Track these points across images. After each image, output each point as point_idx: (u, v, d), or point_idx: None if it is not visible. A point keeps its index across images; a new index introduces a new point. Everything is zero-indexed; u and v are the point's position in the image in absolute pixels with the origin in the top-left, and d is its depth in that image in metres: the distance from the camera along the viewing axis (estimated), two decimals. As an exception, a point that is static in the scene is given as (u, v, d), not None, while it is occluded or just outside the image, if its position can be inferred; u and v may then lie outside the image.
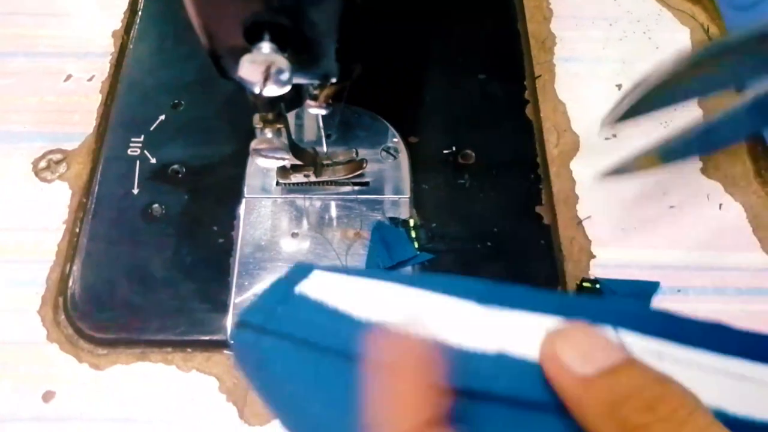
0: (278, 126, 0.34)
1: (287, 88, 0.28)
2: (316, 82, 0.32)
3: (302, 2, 0.26)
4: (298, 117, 0.43)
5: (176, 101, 0.45)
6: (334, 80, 0.31)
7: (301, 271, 0.25)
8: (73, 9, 0.50)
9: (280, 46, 0.27)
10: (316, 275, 0.25)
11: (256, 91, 0.28)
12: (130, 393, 0.36)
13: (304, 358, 0.23)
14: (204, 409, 0.35)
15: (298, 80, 0.30)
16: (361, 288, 0.24)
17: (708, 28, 0.49)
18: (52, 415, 0.35)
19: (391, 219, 0.40)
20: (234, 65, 0.28)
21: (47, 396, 0.35)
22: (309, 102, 0.34)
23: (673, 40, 0.49)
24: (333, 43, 0.28)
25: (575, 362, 0.19)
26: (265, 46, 0.27)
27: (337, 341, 0.22)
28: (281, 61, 0.27)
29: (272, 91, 0.28)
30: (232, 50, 0.28)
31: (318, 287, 0.24)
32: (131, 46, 0.48)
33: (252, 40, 0.27)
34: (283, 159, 0.36)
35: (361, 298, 0.23)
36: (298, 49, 0.28)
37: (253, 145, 0.35)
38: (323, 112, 0.35)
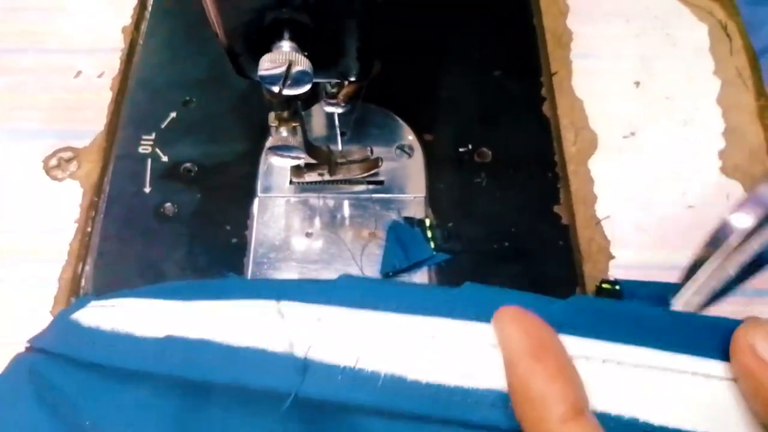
0: (294, 124, 0.34)
1: (307, 88, 0.27)
2: (335, 80, 0.31)
3: (323, 0, 0.26)
4: (314, 115, 0.42)
5: (187, 98, 0.44)
6: (352, 79, 0.30)
7: (80, 302, 0.30)
8: (83, 4, 0.49)
9: (301, 44, 0.27)
10: (93, 305, 0.29)
11: (276, 90, 0.27)
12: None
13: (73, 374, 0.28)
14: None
15: (317, 79, 0.29)
16: (141, 308, 0.28)
17: (726, 25, 0.49)
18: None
19: (407, 219, 0.40)
20: (253, 64, 0.28)
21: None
22: (326, 100, 0.34)
23: (691, 38, 0.48)
24: (354, 41, 0.27)
25: None
26: (286, 45, 0.27)
27: (114, 360, 0.27)
28: (302, 61, 0.26)
29: (292, 90, 0.27)
30: (251, 49, 0.28)
31: (92, 315, 0.29)
32: (141, 42, 0.47)
33: (272, 38, 0.27)
34: (299, 158, 0.36)
35: (140, 319, 0.28)
36: (318, 48, 0.27)
37: (269, 143, 0.35)
38: (340, 110, 0.35)
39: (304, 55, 0.27)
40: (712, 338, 0.23)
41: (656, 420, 0.22)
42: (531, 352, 0.22)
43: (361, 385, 0.24)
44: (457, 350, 0.24)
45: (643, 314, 0.25)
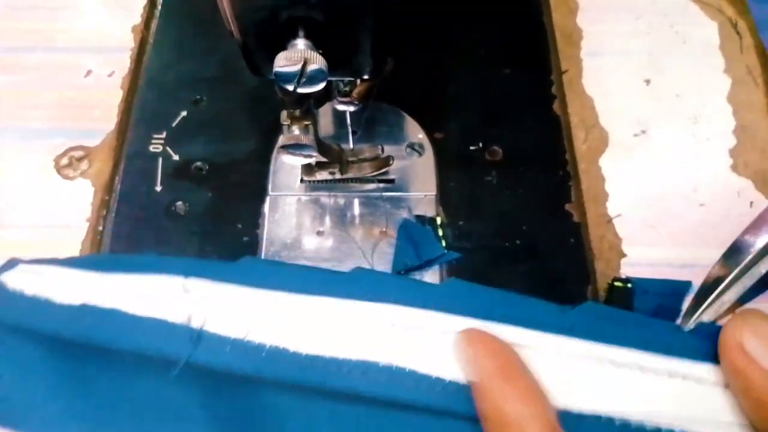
0: (306, 123, 0.34)
1: (322, 86, 0.27)
2: (348, 78, 0.31)
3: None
4: (324, 113, 0.42)
5: (198, 97, 0.44)
6: (366, 77, 0.30)
7: (9, 265, 0.32)
8: (92, 3, 0.49)
9: (315, 42, 0.27)
10: (21, 268, 0.32)
11: (291, 88, 0.27)
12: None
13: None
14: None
15: (332, 77, 0.29)
16: (63, 277, 0.30)
17: (736, 23, 0.48)
18: None
19: (418, 217, 0.40)
20: (267, 62, 0.28)
21: None
22: (339, 98, 0.34)
23: (700, 35, 0.48)
24: (368, 39, 0.27)
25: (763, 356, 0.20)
26: (300, 43, 0.27)
27: (32, 323, 0.29)
28: (317, 58, 0.26)
29: (307, 88, 0.27)
30: (266, 46, 0.28)
31: (18, 279, 0.31)
32: (151, 41, 0.47)
33: (287, 36, 0.27)
34: (311, 156, 0.36)
35: (60, 286, 0.30)
36: (333, 46, 0.27)
37: (281, 141, 0.35)
38: (352, 108, 0.35)
39: (319, 53, 0.27)
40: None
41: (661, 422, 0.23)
42: (501, 374, 0.22)
43: (248, 355, 0.26)
44: (336, 325, 0.26)
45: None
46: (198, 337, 0.27)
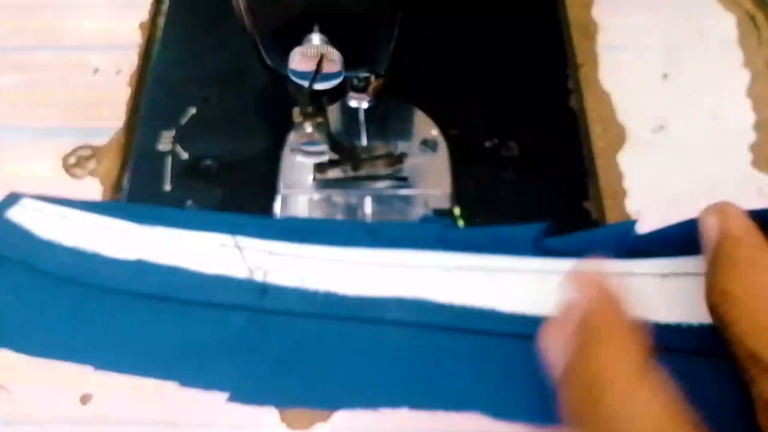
0: (319, 120, 0.33)
1: (338, 81, 0.27)
2: (363, 74, 0.30)
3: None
4: (336, 111, 0.41)
5: (207, 94, 0.44)
6: (381, 73, 0.30)
7: (11, 199, 0.37)
8: (99, 1, 0.48)
9: (332, 37, 0.26)
10: (26, 203, 0.36)
11: (306, 84, 0.26)
12: (167, 396, 0.35)
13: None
14: (244, 413, 0.34)
15: (347, 73, 0.28)
16: (67, 216, 0.36)
17: (754, 16, 0.47)
18: (90, 417, 0.34)
19: (436, 211, 0.39)
20: (282, 58, 0.27)
21: (85, 398, 0.35)
22: (353, 94, 0.33)
23: (717, 28, 0.47)
24: (386, 33, 0.27)
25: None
26: (316, 38, 0.26)
27: (37, 260, 0.35)
28: (334, 54, 0.25)
29: (322, 85, 0.27)
30: (280, 42, 0.27)
31: (23, 214, 0.36)
32: (159, 38, 0.47)
33: (302, 31, 0.26)
34: (323, 153, 0.35)
35: (63, 225, 0.36)
36: (350, 41, 0.27)
37: (293, 138, 0.34)
38: (366, 105, 0.34)
39: (335, 49, 0.26)
40: None
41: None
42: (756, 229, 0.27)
43: (306, 300, 0.34)
44: (369, 270, 0.35)
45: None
46: (264, 289, 0.34)
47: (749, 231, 0.27)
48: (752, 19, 0.48)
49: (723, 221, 0.28)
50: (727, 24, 0.47)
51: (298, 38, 0.26)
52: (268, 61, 0.29)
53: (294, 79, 0.26)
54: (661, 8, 0.48)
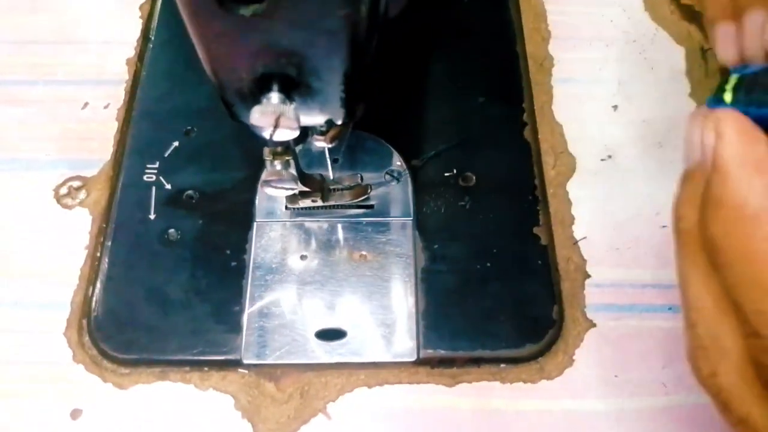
0: (286, 158, 0.36)
1: (295, 135, 0.30)
2: (323, 124, 0.34)
3: (309, 57, 0.28)
4: (308, 143, 0.44)
5: (188, 128, 0.47)
6: (338, 123, 0.33)
7: None
8: (90, 37, 0.52)
9: (288, 95, 0.29)
10: None
11: (267, 136, 0.30)
12: (152, 411, 0.38)
13: None
14: (221, 426, 0.38)
15: (306, 123, 0.31)
16: None
17: (704, 48, 0.51)
18: (79, 433, 0.37)
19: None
20: (246, 111, 0.30)
21: (75, 414, 0.38)
22: (316, 137, 0.36)
23: (668, 60, 0.50)
24: (340, 91, 0.30)
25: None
26: (275, 96, 0.29)
27: None
28: (290, 112, 0.29)
29: (282, 137, 0.30)
30: (243, 99, 0.30)
31: None
32: (144, 74, 0.50)
33: (261, 90, 0.29)
34: (292, 189, 0.38)
35: None
36: (306, 98, 0.30)
37: (264, 176, 0.37)
38: (329, 146, 0.37)
39: (293, 105, 0.29)
40: None
41: None
42: (754, 164, 0.22)
43: None
44: None
45: None
46: None
47: (745, 162, 0.22)
48: (702, 51, 0.51)
49: (716, 142, 0.23)
50: (677, 56, 0.51)
51: (258, 96, 0.29)
52: (234, 114, 0.32)
53: (256, 131, 0.30)
54: (614, 43, 0.51)
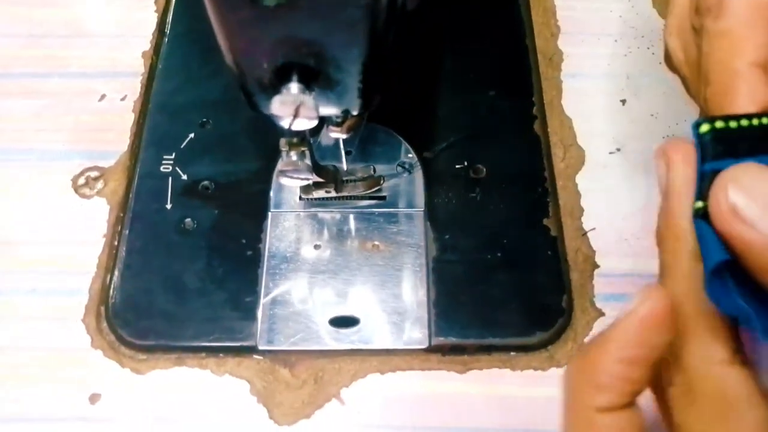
0: (302, 149, 0.37)
1: (314, 124, 0.31)
2: (339, 114, 0.34)
3: (329, 47, 0.29)
4: (322, 135, 0.45)
5: (204, 120, 0.48)
6: (355, 113, 0.34)
7: None
8: (104, 31, 0.53)
9: (308, 85, 0.30)
10: None
11: (286, 126, 0.30)
12: (169, 395, 0.39)
13: None
14: (236, 411, 0.38)
15: (323, 113, 0.32)
16: None
17: (710, 43, 0.51)
18: (98, 416, 0.38)
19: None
20: (265, 101, 0.31)
21: (93, 398, 0.39)
22: (332, 128, 0.37)
23: (675, 55, 0.51)
24: (357, 82, 0.31)
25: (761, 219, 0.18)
26: (294, 87, 0.30)
27: None
28: (309, 101, 0.29)
29: (300, 126, 0.31)
30: (263, 89, 0.31)
31: None
32: (160, 66, 0.51)
33: (282, 80, 0.30)
34: (307, 179, 0.39)
35: None
36: (325, 88, 0.31)
37: (279, 167, 0.38)
38: (344, 137, 0.38)
39: (312, 95, 0.30)
40: None
41: None
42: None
43: None
44: None
45: None
46: None
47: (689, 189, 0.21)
48: (708, 46, 0.52)
49: (669, 170, 0.23)
50: (684, 51, 0.51)
51: (278, 86, 0.30)
52: (253, 104, 0.33)
53: (275, 121, 0.31)
54: (623, 38, 0.52)
